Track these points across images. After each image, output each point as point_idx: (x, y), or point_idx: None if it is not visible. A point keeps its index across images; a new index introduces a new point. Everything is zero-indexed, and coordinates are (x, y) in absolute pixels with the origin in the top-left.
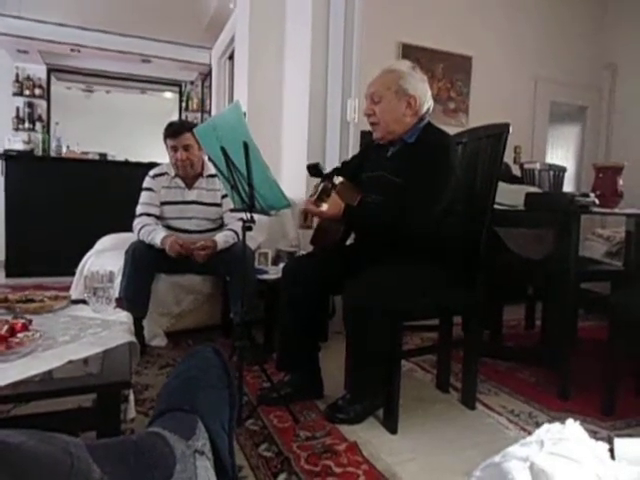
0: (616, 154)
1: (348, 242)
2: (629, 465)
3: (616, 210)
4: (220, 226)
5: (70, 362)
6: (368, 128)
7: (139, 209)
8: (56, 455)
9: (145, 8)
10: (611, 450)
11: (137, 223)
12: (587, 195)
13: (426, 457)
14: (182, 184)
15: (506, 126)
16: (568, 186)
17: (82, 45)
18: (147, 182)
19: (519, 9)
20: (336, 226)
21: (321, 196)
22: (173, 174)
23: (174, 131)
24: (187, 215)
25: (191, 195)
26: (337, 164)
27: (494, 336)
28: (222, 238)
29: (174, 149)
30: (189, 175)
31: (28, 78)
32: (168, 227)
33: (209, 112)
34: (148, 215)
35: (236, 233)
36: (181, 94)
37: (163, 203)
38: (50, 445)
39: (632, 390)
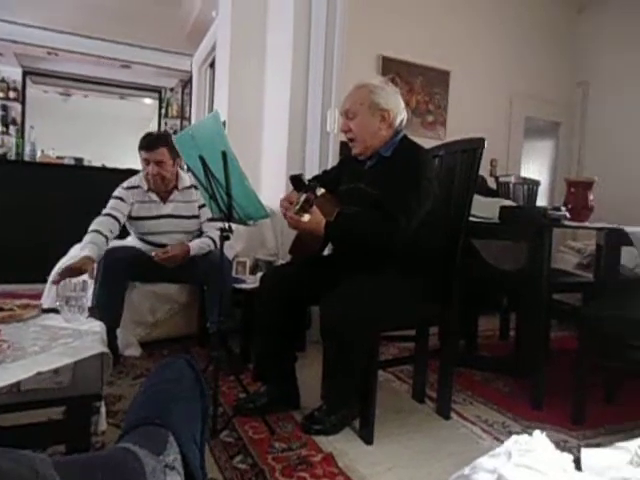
0: (588, 169)
1: (326, 252)
2: (595, 476)
3: (587, 224)
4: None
5: (39, 373)
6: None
7: (103, 211)
8: (22, 473)
9: (126, 13)
10: (577, 460)
11: (95, 221)
12: (559, 209)
13: (402, 468)
14: (156, 198)
15: (481, 141)
16: (542, 199)
17: (59, 49)
18: (118, 192)
19: (497, 26)
20: (315, 237)
21: (303, 206)
22: (146, 188)
23: (148, 144)
24: (163, 230)
25: (166, 209)
26: (317, 174)
27: (469, 346)
28: (197, 244)
29: (146, 162)
30: (161, 189)
31: (2, 80)
32: (144, 242)
33: (189, 119)
34: (109, 215)
35: (213, 241)
36: (161, 100)
37: (137, 218)
38: (16, 463)
39: (602, 400)
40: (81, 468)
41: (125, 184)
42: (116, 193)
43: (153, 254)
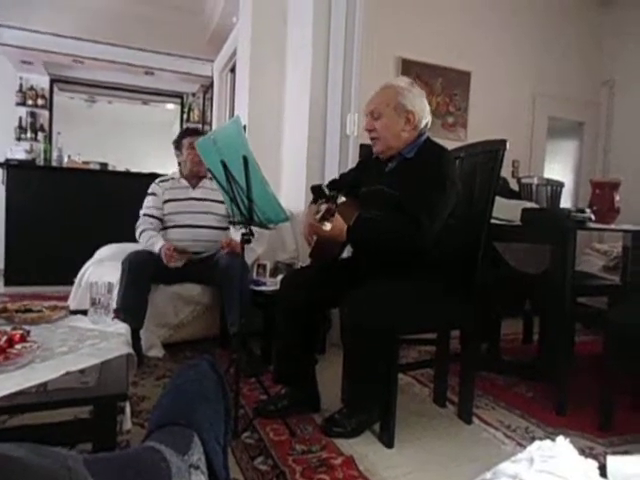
0: (614, 169)
1: (345, 254)
2: None
3: (612, 226)
4: (227, 227)
5: (67, 373)
6: (367, 141)
7: (142, 211)
8: (55, 469)
9: (149, 21)
10: (602, 468)
11: (139, 223)
12: (583, 211)
13: (422, 472)
14: (186, 184)
15: (503, 142)
16: (566, 201)
17: (85, 56)
18: (151, 188)
19: (517, 25)
20: (335, 242)
21: (325, 216)
22: (179, 177)
23: (193, 130)
24: (189, 210)
25: (195, 193)
26: (334, 178)
27: (492, 350)
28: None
29: (192, 146)
30: (198, 174)
31: (31, 88)
32: (170, 224)
33: (210, 124)
34: (150, 216)
35: None
36: (183, 105)
37: (166, 201)
38: (49, 459)
39: (630, 406)
40: (110, 465)
41: (157, 180)
42: (150, 190)
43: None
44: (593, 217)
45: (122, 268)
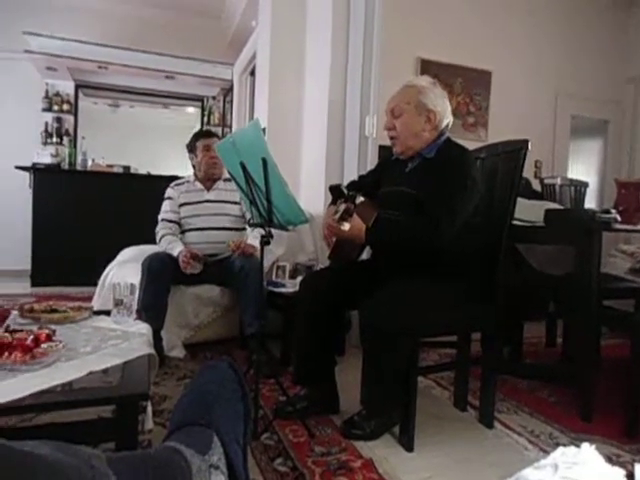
0: (639, 169)
1: (365, 256)
2: None
3: (639, 227)
4: (243, 228)
5: (90, 373)
6: (386, 143)
7: (160, 216)
8: (79, 467)
9: (170, 26)
10: (630, 476)
11: (159, 228)
12: (609, 211)
13: (442, 476)
14: (201, 186)
15: (525, 142)
16: (590, 202)
17: (109, 62)
18: (168, 192)
19: (538, 24)
20: (355, 243)
21: (343, 216)
22: (193, 179)
23: (206, 133)
24: (205, 212)
25: (209, 196)
26: (353, 179)
27: (514, 353)
28: (252, 241)
29: (207, 148)
30: (213, 176)
31: (57, 94)
32: (187, 227)
33: (230, 127)
34: (169, 221)
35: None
36: (203, 109)
37: (182, 204)
38: (74, 457)
39: None
40: (132, 465)
41: (172, 184)
42: (166, 194)
43: (226, 245)
44: (619, 218)
45: (142, 269)
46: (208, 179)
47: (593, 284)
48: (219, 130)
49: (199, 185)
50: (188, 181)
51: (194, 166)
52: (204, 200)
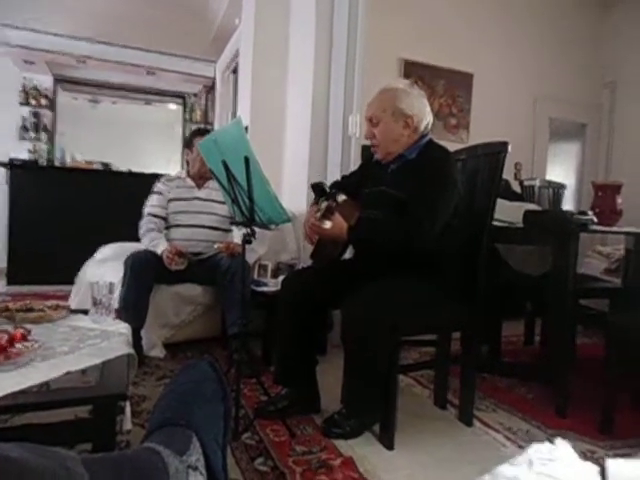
0: (616, 172)
1: (347, 256)
2: None
3: (615, 228)
4: (230, 229)
5: (68, 373)
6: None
7: (146, 210)
8: (54, 469)
9: (152, 22)
10: (602, 471)
11: (143, 223)
12: (585, 213)
13: (422, 474)
14: (192, 184)
15: (504, 145)
16: (568, 203)
17: (89, 57)
18: (156, 186)
19: (519, 27)
20: (337, 242)
21: (325, 214)
22: (185, 176)
23: (204, 131)
24: (194, 210)
25: (200, 194)
26: (336, 179)
27: (493, 352)
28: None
29: None
30: (205, 174)
31: (35, 88)
32: (173, 223)
33: (212, 124)
34: (154, 216)
35: None
36: (185, 106)
37: (171, 200)
38: (48, 459)
39: (631, 409)
40: (108, 466)
41: (163, 179)
42: (155, 188)
43: (215, 246)
44: (595, 219)
45: (125, 267)
46: (200, 177)
47: (570, 284)
48: (209, 128)
49: (190, 182)
50: (179, 177)
51: (188, 162)
52: (194, 197)
